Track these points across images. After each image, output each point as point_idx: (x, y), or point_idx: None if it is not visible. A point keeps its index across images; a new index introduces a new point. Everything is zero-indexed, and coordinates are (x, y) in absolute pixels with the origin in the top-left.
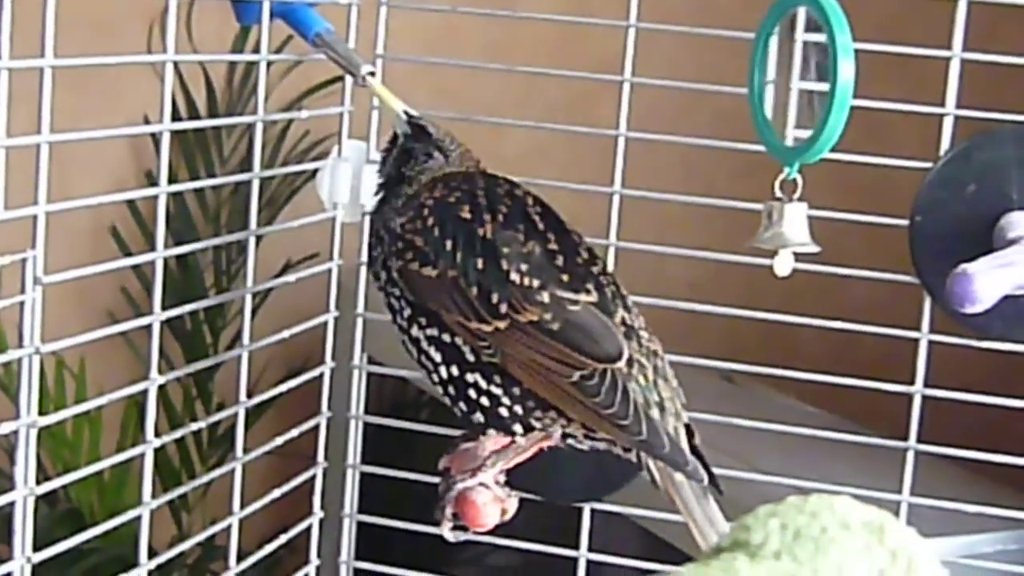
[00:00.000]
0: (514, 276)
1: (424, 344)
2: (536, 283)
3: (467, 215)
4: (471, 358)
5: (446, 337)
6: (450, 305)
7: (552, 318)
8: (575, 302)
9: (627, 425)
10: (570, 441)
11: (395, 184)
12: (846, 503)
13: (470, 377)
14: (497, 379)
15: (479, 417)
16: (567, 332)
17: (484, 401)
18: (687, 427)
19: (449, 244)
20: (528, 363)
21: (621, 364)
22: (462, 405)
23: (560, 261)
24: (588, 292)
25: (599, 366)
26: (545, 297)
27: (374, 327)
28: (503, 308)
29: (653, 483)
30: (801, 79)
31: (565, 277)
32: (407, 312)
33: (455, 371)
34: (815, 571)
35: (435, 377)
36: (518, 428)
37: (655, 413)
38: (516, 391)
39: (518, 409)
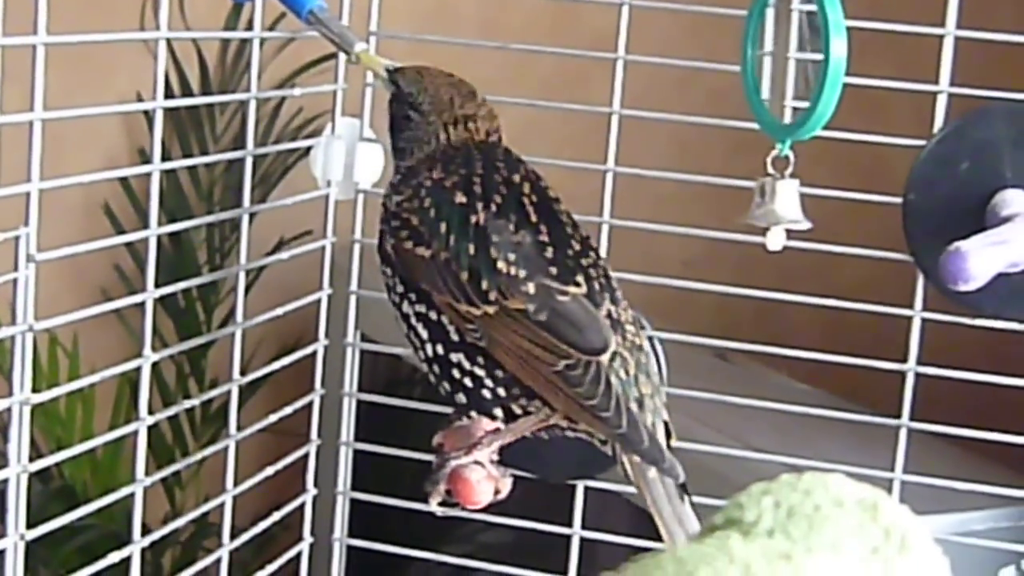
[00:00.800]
0: (501, 265)
1: (413, 320)
2: (523, 274)
3: (462, 199)
4: (456, 338)
5: (433, 315)
6: (441, 286)
7: (538, 308)
8: (564, 293)
9: (607, 417)
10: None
11: (396, 156)
12: (840, 481)
13: (454, 357)
14: (480, 361)
15: (461, 398)
16: (554, 322)
17: (467, 382)
18: (665, 424)
19: (443, 227)
20: (514, 349)
21: (605, 357)
22: (446, 384)
23: (550, 253)
24: (577, 284)
25: (584, 357)
26: (531, 288)
27: (367, 305)
28: (492, 295)
29: (626, 478)
30: (794, 55)
31: (553, 269)
32: (399, 288)
33: (440, 349)
34: (808, 549)
35: (421, 354)
36: (498, 412)
37: (635, 407)
38: (499, 374)
39: (500, 392)
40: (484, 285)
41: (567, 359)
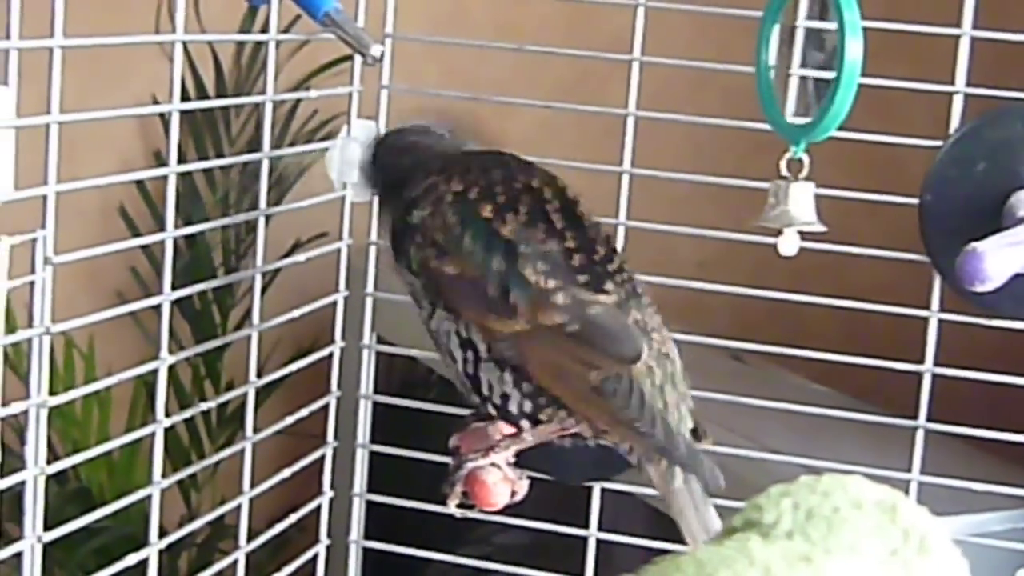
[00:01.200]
0: (531, 276)
1: (442, 337)
2: (552, 284)
3: (488, 214)
4: (484, 354)
5: (463, 331)
6: (471, 303)
7: (571, 320)
8: (595, 303)
9: (644, 430)
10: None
11: (397, 176)
12: (858, 482)
13: (482, 372)
14: (508, 375)
15: (490, 410)
16: (587, 334)
17: (495, 396)
18: (694, 431)
19: (469, 243)
20: (548, 364)
21: (640, 365)
22: (475, 397)
23: (577, 260)
24: (607, 292)
25: (618, 368)
26: (561, 299)
27: (383, 306)
28: (523, 310)
29: (651, 484)
30: (811, 57)
31: (582, 277)
32: (427, 304)
33: (471, 367)
34: (827, 550)
35: (458, 368)
36: (525, 423)
37: (665, 416)
38: (526, 387)
39: (527, 406)
40: (514, 300)
41: (602, 371)
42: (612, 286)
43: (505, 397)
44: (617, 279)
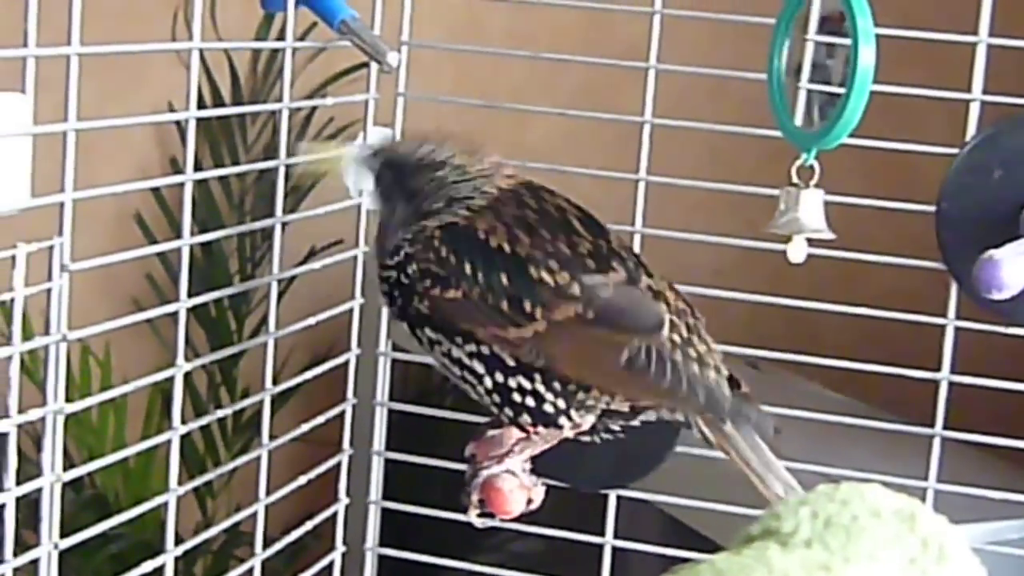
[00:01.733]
0: (546, 277)
1: (466, 360)
2: (565, 278)
3: (482, 234)
4: (512, 363)
5: (485, 350)
6: (483, 320)
7: (585, 307)
8: (605, 284)
9: (684, 395)
10: (605, 424)
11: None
12: (877, 491)
13: (513, 382)
14: (539, 377)
15: (526, 418)
16: (606, 315)
17: (529, 401)
18: (730, 379)
19: (467, 263)
20: (573, 356)
21: (664, 332)
22: (508, 411)
23: (584, 248)
24: (614, 269)
25: (644, 340)
26: (576, 289)
27: None
28: (537, 311)
29: (704, 440)
30: (822, 65)
31: (591, 262)
32: (441, 337)
33: (499, 378)
34: (846, 559)
35: (480, 389)
36: (564, 421)
37: (699, 371)
38: (557, 385)
39: (562, 403)
40: (527, 306)
41: (629, 347)
42: (617, 262)
43: (540, 400)
44: (622, 255)
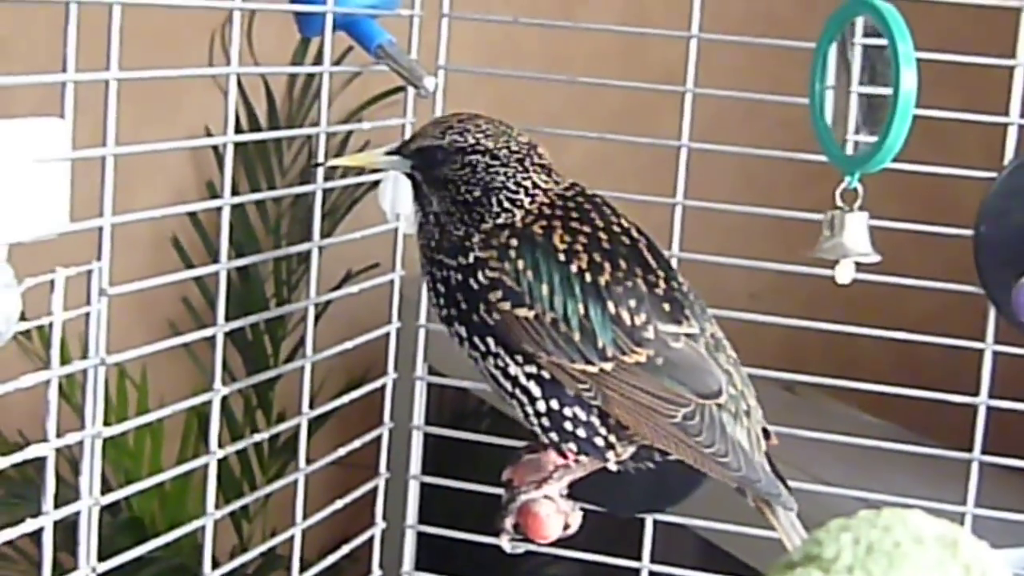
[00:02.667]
0: (624, 315)
1: (523, 380)
2: (641, 319)
3: (562, 255)
4: (571, 393)
5: (545, 374)
6: (549, 347)
7: (656, 354)
8: (676, 336)
9: (727, 462)
10: (648, 454)
11: (466, 217)
12: (919, 517)
13: (568, 411)
14: (596, 411)
15: (572, 446)
16: (671, 370)
17: (581, 432)
18: (764, 431)
19: (546, 288)
20: (630, 403)
21: (722, 399)
22: (553, 435)
23: (660, 288)
24: (687, 320)
25: (701, 403)
26: (651, 333)
27: (434, 338)
28: (609, 351)
29: (758, 511)
30: (862, 87)
31: (666, 306)
32: (501, 351)
33: (555, 405)
34: None
35: (530, 409)
36: (611, 455)
37: (746, 445)
38: (611, 421)
39: (612, 438)
40: (600, 343)
41: (685, 407)
42: (688, 311)
43: (592, 432)
44: (691, 298)
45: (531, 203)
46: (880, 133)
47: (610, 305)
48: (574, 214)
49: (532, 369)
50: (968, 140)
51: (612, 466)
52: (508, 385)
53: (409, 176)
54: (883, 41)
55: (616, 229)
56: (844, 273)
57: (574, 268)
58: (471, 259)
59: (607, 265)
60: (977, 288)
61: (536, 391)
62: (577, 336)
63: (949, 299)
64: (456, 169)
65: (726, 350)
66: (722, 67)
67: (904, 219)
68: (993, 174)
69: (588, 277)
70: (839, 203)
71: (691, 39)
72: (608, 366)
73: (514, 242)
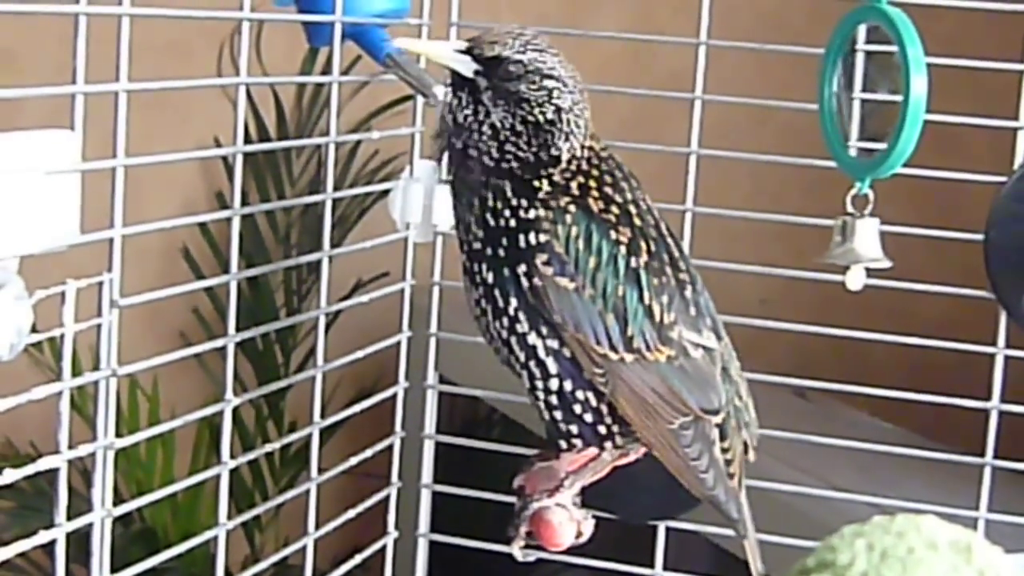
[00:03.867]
0: (655, 310)
1: (541, 353)
2: (671, 318)
3: (621, 237)
4: (586, 375)
5: (567, 351)
6: (579, 322)
7: (675, 357)
8: (696, 346)
9: (705, 479)
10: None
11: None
12: (932, 523)
13: (581, 394)
14: (605, 399)
15: (574, 429)
16: (684, 378)
17: (587, 417)
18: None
19: (592, 262)
20: (637, 398)
21: (719, 418)
22: (558, 414)
23: (689, 292)
24: (707, 331)
25: (700, 416)
26: (676, 335)
27: (445, 346)
28: (636, 342)
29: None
30: (872, 93)
31: (693, 310)
32: (525, 315)
33: (568, 385)
34: None
35: (540, 385)
36: (609, 444)
37: (729, 477)
38: (618, 412)
39: (615, 428)
40: (629, 331)
41: (685, 416)
42: (709, 321)
43: (599, 419)
44: (710, 308)
45: (581, 149)
46: (890, 139)
47: (647, 296)
48: (608, 178)
49: (554, 344)
50: (978, 145)
51: (607, 456)
52: (522, 355)
53: (463, 80)
54: (892, 48)
55: (643, 206)
56: (855, 279)
57: (622, 248)
58: (531, 215)
59: (645, 251)
60: (988, 293)
61: (553, 367)
62: (611, 319)
63: (960, 304)
64: (534, 89)
65: (734, 360)
66: (731, 73)
67: (915, 224)
68: (1003, 178)
69: (633, 262)
70: (850, 209)
71: (699, 46)
72: (629, 357)
73: (572, 208)
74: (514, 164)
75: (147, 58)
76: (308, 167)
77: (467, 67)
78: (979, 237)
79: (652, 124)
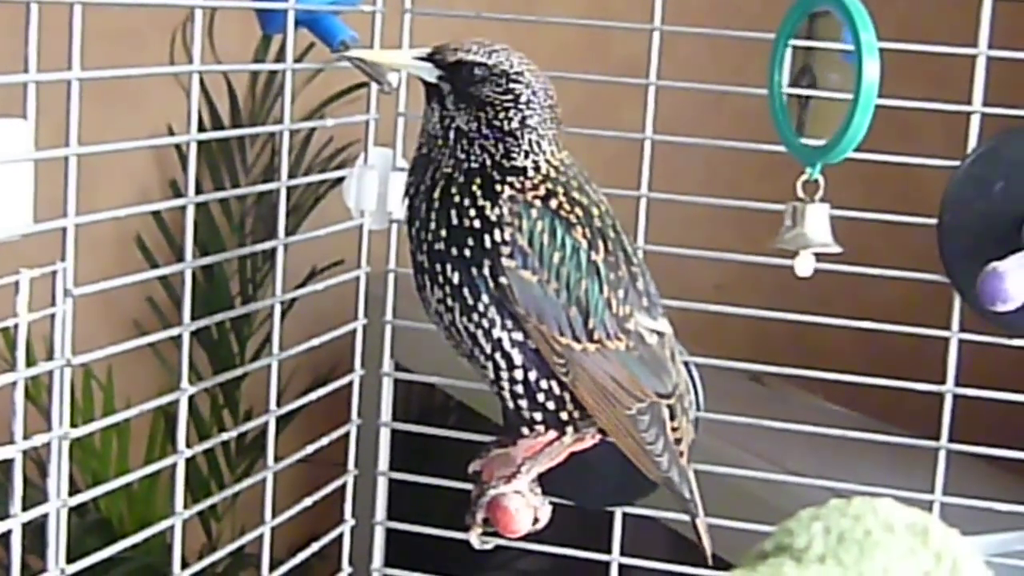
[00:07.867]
0: (614, 303)
1: (507, 345)
2: (627, 310)
3: (580, 235)
4: (548, 365)
5: (531, 343)
6: (542, 315)
7: (633, 346)
8: (651, 332)
9: (660, 462)
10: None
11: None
12: (889, 505)
13: (544, 383)
14: (567, 387)
15: (538, 416)
16: (640, 365)
17: (550, 404)
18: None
19: (556, 257)
20: (596, 387)
21: (672, 400)
22: (522, 402)
23: (641, 283)
24: (661, 317)
25: (655, 400)
26: (632, 325)
27: (401, 333)
28: (597, 333)
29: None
30: (822, 80)
31: (645, 301)
32: (491, 309)
33: (532, 375)
34: (860, 574)
35: (504, 375)
36: (570, 429)
37: (689, 436)
38: (577, 399)
39: (577, 414)
40: (591, 323)
41: (641, 402)
42: (662, 310)
43: (560, 406)
44: (659, 297)
45: (550, 155)
46: (842, 124)
47: (605, 288)
48: (574, 183)
49: (519, 336)
50: (931, 129)
51: (567, 439)
52: (488, 348)
53: (430, 85)
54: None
55: (603, 207)
56: (804, 265)
57: (584, 243)
58: (495, 213)
59: (603, 247)
60: (942, 277)
61: (518, 358)
62: (574, 311)
63: (914, 288)
64: (499, 93)
65: (677, 346)
66: (685, 59)
67: (869, 208)
68: (956, 163)
69: (593, 255)
70: (800, 194)
71: (653, 31)
72: (591, 347)
73: (538, 203)
74: (480, 165)
75: (99, 46)
76: (262, 155)
77: (430, 72)
78: (933, 221)
79: (607, 110)
